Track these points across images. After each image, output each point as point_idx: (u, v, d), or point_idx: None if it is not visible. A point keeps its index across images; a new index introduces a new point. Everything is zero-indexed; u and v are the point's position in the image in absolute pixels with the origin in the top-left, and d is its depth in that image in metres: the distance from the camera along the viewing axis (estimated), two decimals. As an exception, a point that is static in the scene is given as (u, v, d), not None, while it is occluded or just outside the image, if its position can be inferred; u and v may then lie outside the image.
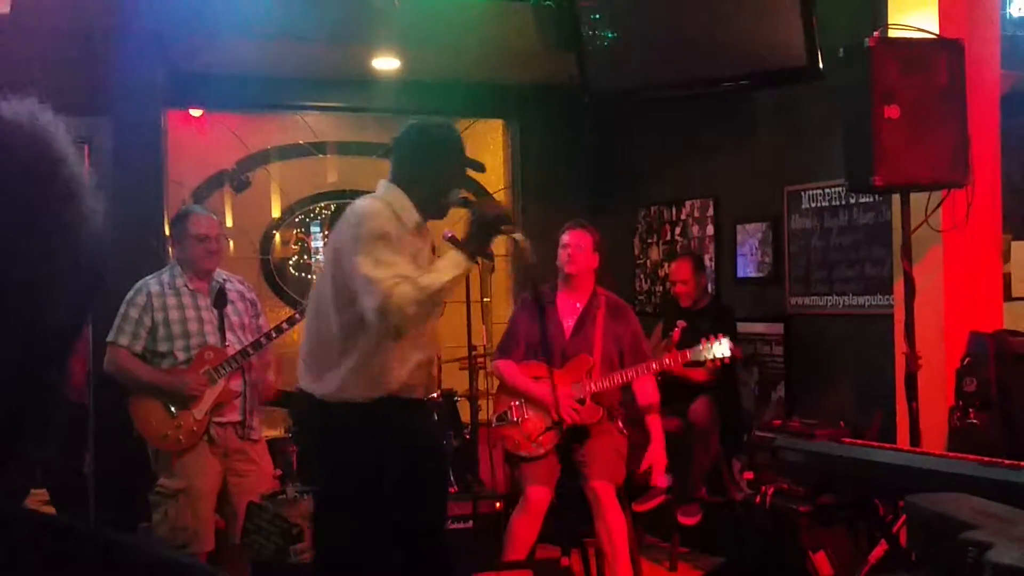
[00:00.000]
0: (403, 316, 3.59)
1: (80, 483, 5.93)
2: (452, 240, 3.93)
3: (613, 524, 5.23)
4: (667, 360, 5.62)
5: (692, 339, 5.90)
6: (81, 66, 5.98)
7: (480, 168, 4.15)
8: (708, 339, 5.66)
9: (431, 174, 3.91)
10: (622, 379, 5.51)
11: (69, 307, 0.81)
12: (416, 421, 3.92)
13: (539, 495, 5.31)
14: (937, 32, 5.02)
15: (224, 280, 5.25)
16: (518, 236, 3.83)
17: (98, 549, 0.81)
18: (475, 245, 3.77)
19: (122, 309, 5.08)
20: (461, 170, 4.00)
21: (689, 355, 5.62)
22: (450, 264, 3.70)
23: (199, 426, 5.04)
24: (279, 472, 5.45)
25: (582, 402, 5.40)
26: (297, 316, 5.38)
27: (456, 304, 6.20)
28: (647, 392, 5.63)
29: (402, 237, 3.77)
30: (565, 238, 5.67)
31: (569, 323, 5.58)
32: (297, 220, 8.74)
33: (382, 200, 3.87)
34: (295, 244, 8.74)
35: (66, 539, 0.81)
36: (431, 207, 3.95)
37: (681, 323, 6.17)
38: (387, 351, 3.76)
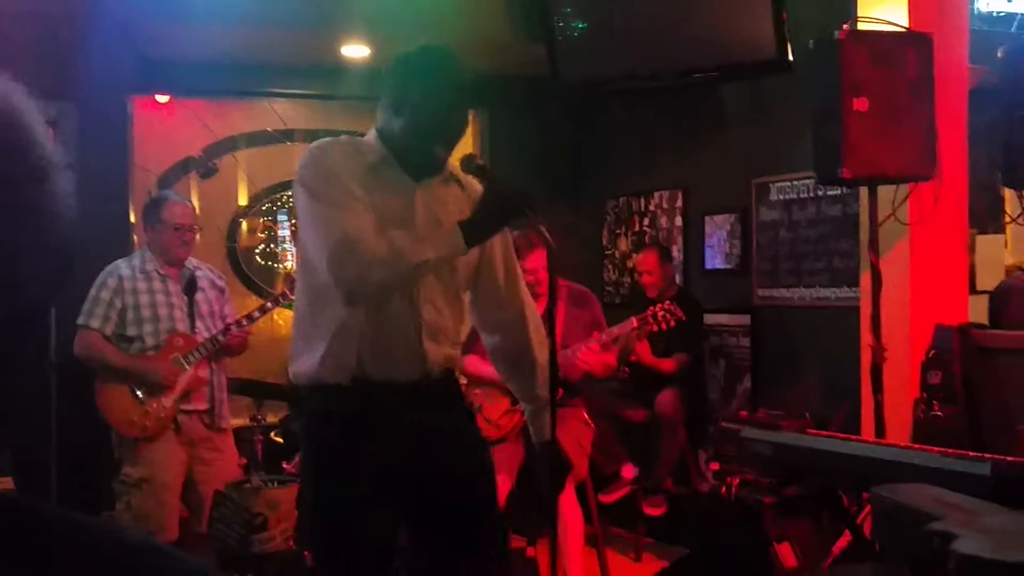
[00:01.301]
0: (362, 278, 2.87)
1: (43, 472, 5.89)
2: (464, 223, 2.96)
3: (568, 519, 5.18)
4: (612, 331, 5.57)
5: (662, 331, 5.92)
6: (47, 50, 5.92)
7: (469, 104, 3.29)
8: (655, 307, 5.63)
9: (406, 105, 3.09)
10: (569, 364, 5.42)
11: (39, 285, 0.80)
12: (402, 409, 3.04)
13: (499, 483, 5.29)
14: (906, 26, 5.04)
15: (195, 267, 5.22)
16: (543, 229, 3.08)
17: (65, 530, 0.81)
18: (481, 229, 3.00)
19: (92, 292, 5.04)
20: (452, 94, 3.13)
21: (636, 322, 5.59)
22: (442, 241, 2.93)
23: (167, 414, 5.00)
24: (244, 461, 5.42)
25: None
26: (268, 305, 5.36)
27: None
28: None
29: (357, 175, 3.00)
30: (528, 263, 5.69)
31: None
32: (264, 208, 8.70)
33: (344, 138, 3.22)
34: (262, 232, 8.70)
35: (32, 519, 0.80)
36: (411, 154, 3.11)
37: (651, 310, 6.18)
38: (356, 324, 2.99)
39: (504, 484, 5.30)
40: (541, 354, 3.34)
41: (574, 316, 5.54)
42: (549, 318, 3.34)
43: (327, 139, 3.15)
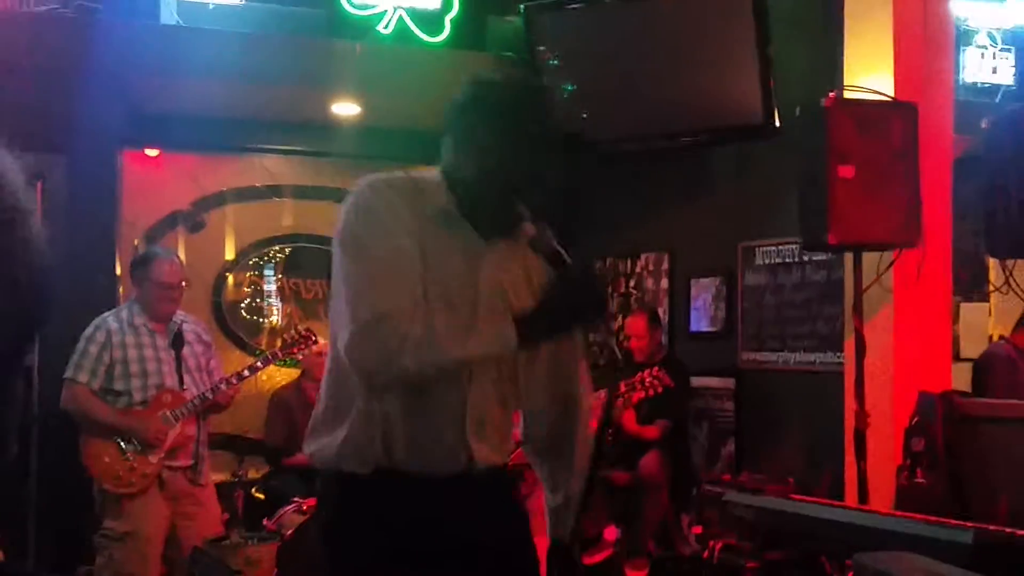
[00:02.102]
0: (384, 364, 2.36)
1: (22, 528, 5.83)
2: (521, 321, 2.39)
3: None
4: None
5: (648, 396, 5.95)
6: (38, 103, 5.94)
7: (577, 146, 2.81)
8: (642, 374, 5.65)
9: (479, 145, 2.48)
10: None
11: (7, 325, 0.80)
12: (430, 506, 2.49)
13: None
14: (892, 95, 5.09)
15: (182, 321, 5.21)
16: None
17: None
18: (540, 331, 2.44)
19: (80, 346, 5.01)
20: (537, 146, 2.47)
21: (623, 388, 5.60)
22: (494, 335, 2.37)
23: (152, 469, 4.97)
24: (226, 516, 5.38)
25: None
26: (259, 364, 5.36)
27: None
28: None
29: (412, 227, 2.42)
30: None
31: None
32: (251, 263, 8.69)
33: (402, 174, 2.58)
34: (248, 287, 8.68)
35: None
36: (483, 207, 2.50)
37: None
38: (385, 406, 2.46)
39: None
40: (584, 444, 2.77)
41: None
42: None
43: (381, 177, 2.55)
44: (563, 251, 2.46)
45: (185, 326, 5.19)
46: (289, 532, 4.94)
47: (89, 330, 5.04)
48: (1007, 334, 6.95)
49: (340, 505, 2.58)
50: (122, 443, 4.96)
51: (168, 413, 4.99)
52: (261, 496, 6.18)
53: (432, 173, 2.54)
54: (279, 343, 5.93)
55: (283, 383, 7.32)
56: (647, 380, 5.65)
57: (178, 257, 5.56)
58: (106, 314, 5.13)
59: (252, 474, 6.09)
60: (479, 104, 2.53)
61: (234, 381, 5.17)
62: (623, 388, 5.65)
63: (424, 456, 2.47)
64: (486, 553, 2.56)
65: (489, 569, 2.57)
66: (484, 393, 2.52)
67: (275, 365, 8.03)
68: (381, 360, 2.35)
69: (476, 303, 2.47)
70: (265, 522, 5.64)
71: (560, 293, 2.42)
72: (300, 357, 6.53)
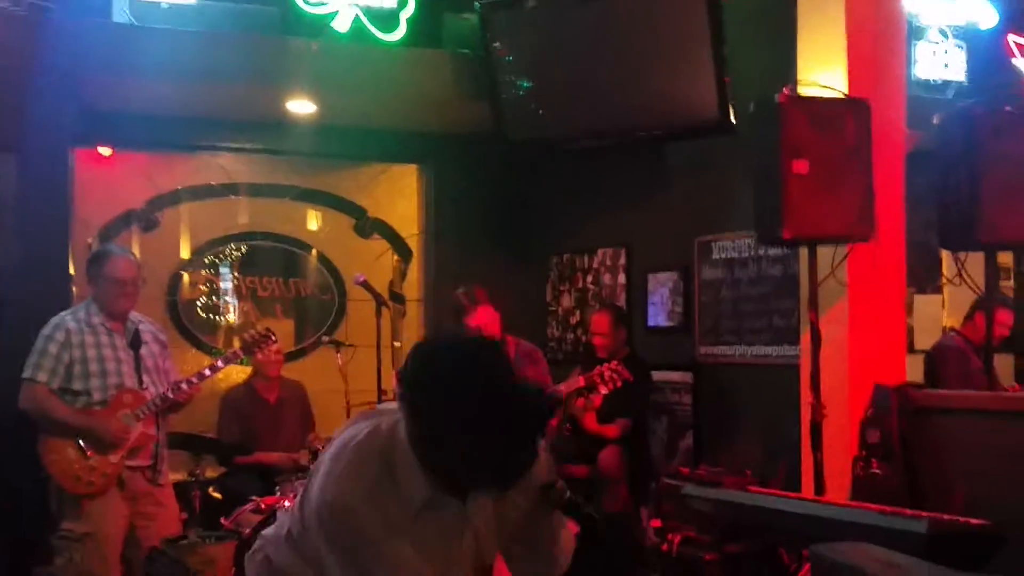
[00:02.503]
0: None
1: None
2: None
3: None
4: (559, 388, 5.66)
5: (609, 393, 5.99)
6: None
7: (546, 411, 2.51)
8: (602, 367, 5.71)
9: (451, 430, 2.17)
10: None
11: None
12: None
13: None
14: (845, 91, 5.14)
15: (139, 321, 5.18)
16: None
17: None
18: None
19: (39, 345, 4.97)
20: (515, 432, 2.18)
21: (583, 382, 5.66)
22: None
23: (113, 470, 4.94)
24: (185, 516, 5.35)
25: None
26: (220, 364, 5.34)
27: (366, 348, 6.16)
28: None
29: (399, 523, 2.24)
30: (473, 319, 5.73)
31: None
32: (207, 261, 8.64)
33: (363, 463, 2.27)
34: (204, 285, 8.63)
35: None
36: (465, 483, 2.30)
37: (603, 389, 6.20)
38: None
39: None
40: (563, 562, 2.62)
41: (523, 371, 5.57)
42: None
43: (355, 486, 2.23)
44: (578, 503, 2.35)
45: (142, 326, 5.17)
46: (247, 531, 4.91)
47: (48, 329, 5.00)
48: (958, 326, 7.04)
49: None
50: (82, 443, 4.92)
51: (129, 413, 4.97)
52: (218, 495, 6.15)
53: (398, 447, 2.27)
54: (238, 343, 5.91)
55: (233, 383, 7.29)
56: (606, 374, 5.66)
57: (133, 254, 5.53)
58: (64, 313, 5.10)
59: (209, 473, 6.06)
60: (437, 387, 2.19)
61: (195, 380, 5.15)
62: (583, 382, 5.66)
63: None
64: None
65: None
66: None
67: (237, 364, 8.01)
68: None
69: (462, 564, 2.37)
70: (223, 521, 5.61)
71: (592, 554, 2.32)
72: (260, 357, 6.51)
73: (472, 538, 2.36)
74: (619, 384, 5.70)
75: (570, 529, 2.55)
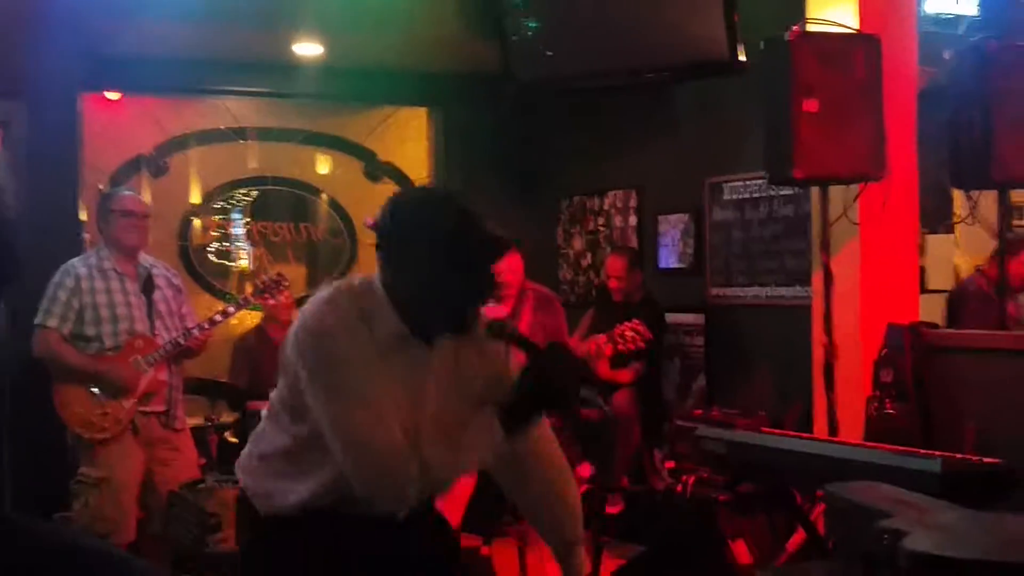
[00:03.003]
0: (397, 497, 2.51)
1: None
2: (500, 410, 2.54)
3: None
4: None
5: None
6: (-5, 48, 5.85)
7: (506, 248, 2.81)
8: (623, 326, 5.64)
9: (415, 269, 2.55)
10: None
11: None
12: (375, 537, 2.64)
13: (461, 490, 5.30)
14: (856, 27, 5.09)
15: (151, 266, 5.18)
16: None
17: (14, 534, 0.80)
18: (520, 418, 2.56)
19: (49, 291, 4.99)
20: (474, 259, 2.57)
21: (604, 340, 5.61)
22: (481, 441, 2.54)
23: (126, 415, 4.97)
24: (203, 461, 5.39)
25: None
26: (231, 309, 5.35)
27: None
28: None
29: (370, 356, 2.50)
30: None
31: None
32: (217, 206, 8.64)
33: (334, 299, 2.57)
34: (215, 231, 8.64)
35: None
36: (431, 317, 2.61)
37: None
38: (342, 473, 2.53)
39: (469, 485, 5.30)
40: (574, 489, 2.95)
41: (539, 321, 5.55)
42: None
43: (328, 313, 2.54)
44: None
45: (155, 271, 5.17)
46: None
47: (57, 276, 5.02)
48: (983, 265, 6.99)
49: (286, 542, 2.68)
50: (94, 389, 4.95)
51: (140, 359, 4.98)
52: (235, 440, 6.19)
53: (374, 289, 2.59)
54: (250, 288, 5.91)
55: (246, 328, 7.31)
56: (627, 334, 5.61)
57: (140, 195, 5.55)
58: (74, 260, 5.11)
59: (225, 418, 6.09)
60: (408, 226, 2.58)
61: (206, 326, 5.17)
62: (603, 340, 5.62)
63: (370, 503, 2.55)
64: (422, 562, 2.78)
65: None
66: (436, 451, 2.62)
67: (248, 310, 8.02)
68: (393, 494, 2.50)
69: (425, 408, 2.58)
70: (239, 465, 5.65)
71: (533, 381, 2.53)
72: (272, 303, 6.52)
73: (434, 385, 2.60)
74: (641, 345, 5.64)
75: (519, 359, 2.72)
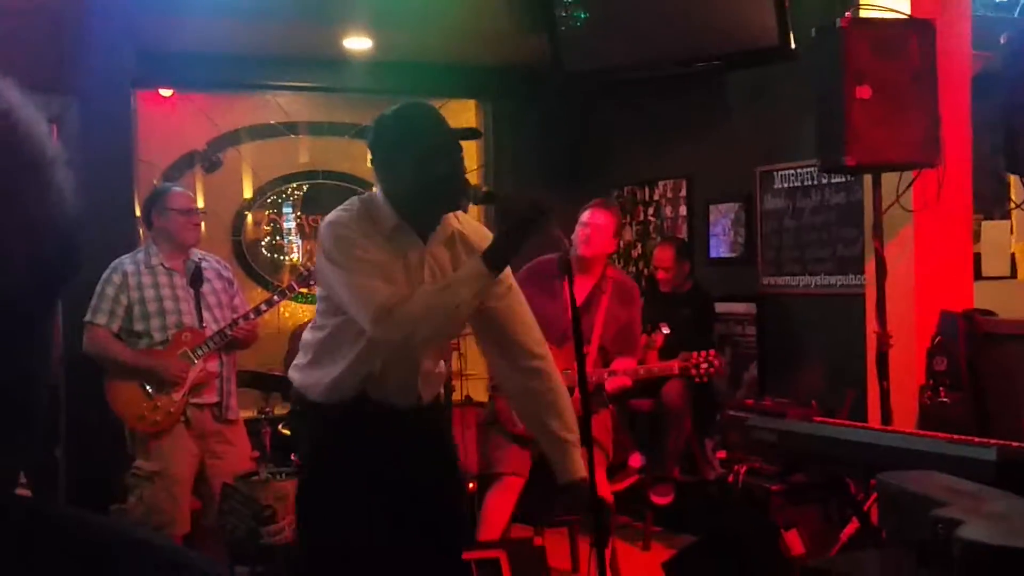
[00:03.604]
0: (407, 339, 3.09)
1: (52, 471, 5.90)
2: (485, 252, 3.06)
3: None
4: (652, 370, 5.58)
5: (672, 326, 5.96)
6: (49, 45, 5.92)
7: (472, 135, 3.57)
8: (700, 355, 5.54)
9: (404, 161, 3.17)
10: (600, 379, 5.43)
11: (33, 275, 0.80)
12: (396, 426, 3.34)
13: (515, 482, 5.31)
14: (909, 13, 5.03)
15: (200, 259, 5.22)
16: (559, 234, 3.13)
17: (68, 528, 0.81)
18: (503, 251, 3.05)
19: (98, 289, 5.05)
20: (444, 150, 3.17)
21: (677, 369, 5.51)
22: (468, 276, 3.04)
23: (176, 408, 5.01)
24: (257, 454, 5.43)
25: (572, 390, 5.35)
26: (275, 298, 5.37)
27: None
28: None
29: (378, 244, 3.16)
30: (586, 216, 5.44)
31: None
32: (269, 201, 8.69)
33: (348, 205, 3.28)
34: (267, 225, 8.69)
35: (34, 518, 0.80)
36: (421, 205, 3.23)
37: (665, 328, 6.17)
38: (370, 361, 3.26)
39: (518, 483, 5.31)
40: (556, 389, 3.46)
41: (613, 315, 5.42)
42: (575, 324, 3.23)
43: (343, 213, 3.23)
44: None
45: (204, 263, 5.20)
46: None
47: (106, 273, 5.08)
48: None
49: (326, 423, 3.38)
50: (144, 383, 5.00)
51: (188, 351, 5.03)
52: (288, 432, 6.23)
53: (375, 196, 3.31)
54: (291, 276, 5.95)
55: (299, 321, 7.35)
56: (702, 366, 5.49)
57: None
58: (123, 257, 5.15)
59: (278, 410, 6.14)
60: (391, 136, 3.23)
61: (251, 316, 5.20)
62: (677, 370, 5.51)
63: (392, 394, 3.35)
64: (429, 455, 3.47)
65: (432, 467, 3.47)
66: (428, 353, 3.40)
67: (296, 302, 8.07)
68: (402, 337, 3.08)
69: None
70: (293, 457, 5.69)
71: (506, 214, 3.15)
72: (316, 289, 6.54)
73: (430, 271, 3.24)
74: (712, 374, 5.54)
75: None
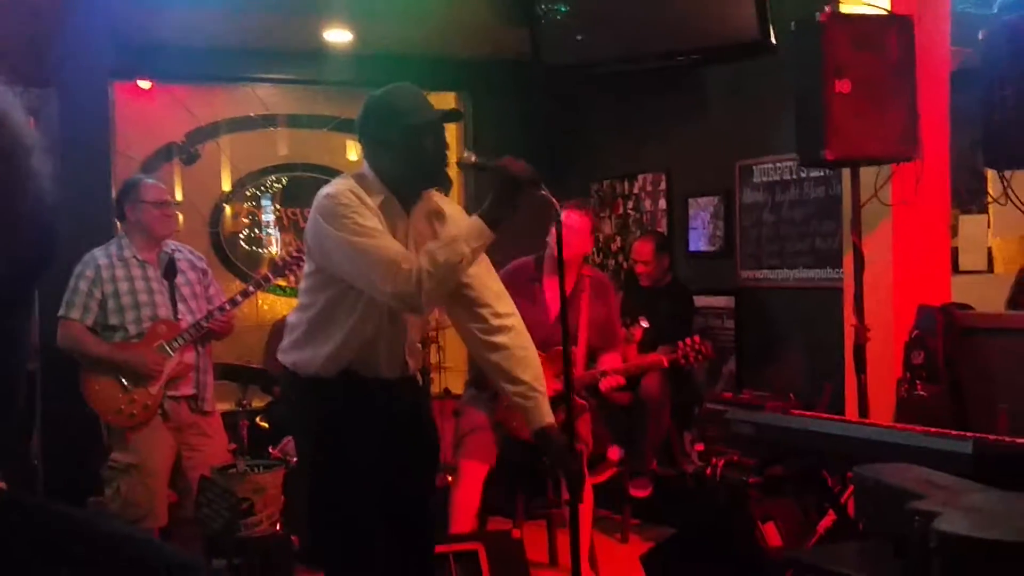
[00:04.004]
0: (415, 290, 3.21)
1: (27, 462, 5.87)
2: (485, 211, 3.31)
3: (585, 497, 5.19)
4: (643, 364, 5.64)
5: (651, 320, 5.97)
6: (27, 37, 5.88)
7: (455, 117, 3.80)
8: (686, 343, 5.61)
9: (392, 137, 3.42)
10: (592, 379, 5.48)
11: (10, 263, 0.79)
12: (386, 396, 3.55)
13: (474, 468, 5.33)
14: (888, 8, 5.05)
15: (174, 250, 5.19)
16: (548, 195, 3.36)
17: (44, 522, 0.81)
18: (499, 211, 3.29)
19: (71, 283, 5.01)
20: (429, 127, 3.45)
21: (666, 362, 5.59)
22: (470, 234, 3.25)
23: (153, 401, 4.99)
24: (234, 446, 5.42)
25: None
26: (251, 289, 5.34)
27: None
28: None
29: (371, 213, 3.36)
30: (562, 218, 5.55)
31: (555, 308, 5.35)
32: (248, 193, 8.67)
33: (342, 180, 3.48)
34: (246, 218, 8.67)
35: (11, 512, 0.80)
36: (407, 179, 3.49)
37: (643, 322, 6.18)
38: (359, 334, 3.46)
39: (483, 470, 5.33)
40: (524, 341, 3.65)
41: (595, 313, 5.48)
42: (562, 299, 3.47)
43: (340, 186, 3.40)
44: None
45: (178, 255, 5.17)
46: (295, 459, 4.97)
47: (78, 267, 5.04)
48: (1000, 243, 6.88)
49: (320, 399, 3.53)
50: (120, 377, 4.98)
51: (164, 344, 5.00)
52: (265, 425, 6.22)
53: (364, 170, 3.49)
54: (267, 266, 5.93)
55: (280, 315, 7.33)
56: (690, 354, 5.55)
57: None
58: (95, 250, 5.11)
59: (256, 403, 6.12)
60: (379, 115, 3.47)
61: (227, 307, 5.17)
62: (666, 362, 5.59)
63: (382, 364, 3.53)
64: (415, 422, 3.69)
65: (421, 435, 3.73)
66: (414, 327, 3.62)
67: (274, 294, 8.05)
68: (411, 288, 3.21)
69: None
70: (271, 450, 5.68)
71: (503, 175, 3.32)
72: (294, 280, 6.52)
73: (413, 243, 3.43)
74: (701, 360, 5.62)
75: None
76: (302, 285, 3.61)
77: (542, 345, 4.58)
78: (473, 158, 3.52)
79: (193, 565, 0.87)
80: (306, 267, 3.59)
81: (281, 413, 5.24)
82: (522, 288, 5.18)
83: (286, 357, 3.62)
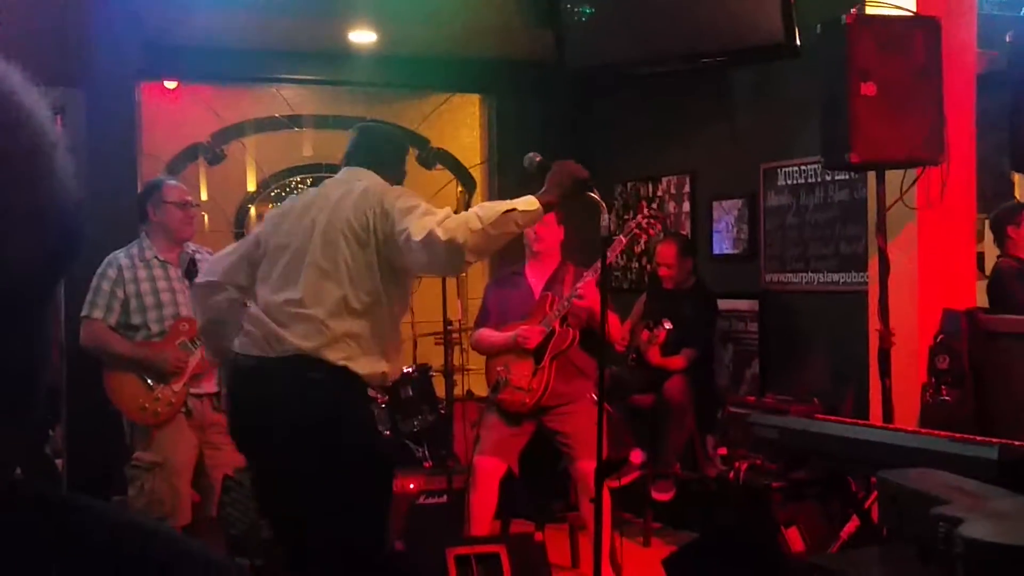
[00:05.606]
0: (464, 238, 3.44)
1: (46, 458, 5.90)
2: (542, 197, 3.73)
3: (604, 499, 5.20)
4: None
5: (674, 322, 5.99)
6: (54, 37, 5.92)
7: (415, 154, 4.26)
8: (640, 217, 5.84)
9: (403, 160, 4.14)
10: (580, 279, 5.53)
11: (36, 259, 0.80)
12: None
13: (488, 465, 5.36)
14: (914, 10, 5.02)
15: (194, 251, 5.23)
16: (596, 197, 3.79)
17: (66, 514, 0.81)
18: (556, 199, 3.78)
19: (94, 283, 5.05)
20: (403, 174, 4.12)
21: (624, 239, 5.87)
22: (525, 210, 3.63)
23: (177, 399, 5.02)
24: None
25: (552, 334, 5.45)
26: None
27: (431, 279, 6.19)
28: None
29: None
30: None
31: (538, 287, 5.68)
32: (273, 194, 8.70)
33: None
34: (270, 218, 8.69)
35: (33, 505, 0.80)
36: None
37: (667, 324, 6.19)
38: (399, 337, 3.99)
39: (495, 466, 5.36)
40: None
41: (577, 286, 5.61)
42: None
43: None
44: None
45: (198, 256, 5.21)
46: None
47: (101, 267, 5.08)
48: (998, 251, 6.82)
49: (365, 397, 3.93)
50: (143, 375, 5.01)
51: (187, 341, 5.03)
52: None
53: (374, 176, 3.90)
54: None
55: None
56: (643, 223, 5.74)
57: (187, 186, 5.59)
58: (117, 251, 5.15)
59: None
60: (401, 143, 4.32)
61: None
62: (624, 240, 5.78)
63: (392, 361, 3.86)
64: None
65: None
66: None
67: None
68: (464, 238, 3.44)
69: None
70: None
71: (567, 173, 3.82)
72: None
73: None
74: (659, 229, 5.97)
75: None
76: (349, 292, 3.71)
77: (524, 318, 5.57)
78: (538, 159, 4.00)
79: (221, 560, 0.88)
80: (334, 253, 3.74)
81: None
82: (505, 281, 5.85)
83: (360, 369, 3.72)
